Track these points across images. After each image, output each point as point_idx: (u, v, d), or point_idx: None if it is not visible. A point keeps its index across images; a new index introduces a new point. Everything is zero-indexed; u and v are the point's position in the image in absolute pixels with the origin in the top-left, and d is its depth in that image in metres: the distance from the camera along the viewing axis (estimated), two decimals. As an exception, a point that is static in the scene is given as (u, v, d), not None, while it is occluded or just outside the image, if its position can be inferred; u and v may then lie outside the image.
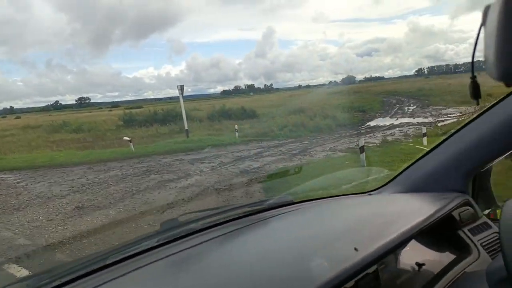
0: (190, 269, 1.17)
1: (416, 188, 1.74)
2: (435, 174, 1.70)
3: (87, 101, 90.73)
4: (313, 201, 1.82)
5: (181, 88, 15.75)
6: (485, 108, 1.54)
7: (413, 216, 1.34)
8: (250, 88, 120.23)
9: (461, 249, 1.50)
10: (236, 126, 17.07)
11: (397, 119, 22.01)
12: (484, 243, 1.51)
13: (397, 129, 17.29)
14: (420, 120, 20.48)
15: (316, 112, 21.97)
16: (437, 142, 1.72)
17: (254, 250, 1.29)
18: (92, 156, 13.44)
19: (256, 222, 1.52)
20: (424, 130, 11.29)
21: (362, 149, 9.05)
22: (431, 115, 22.51)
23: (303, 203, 1.77)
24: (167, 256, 1.26)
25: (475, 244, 1.50)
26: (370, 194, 1.91)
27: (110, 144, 17.51)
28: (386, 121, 21.26)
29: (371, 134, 15.67)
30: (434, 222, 1.36)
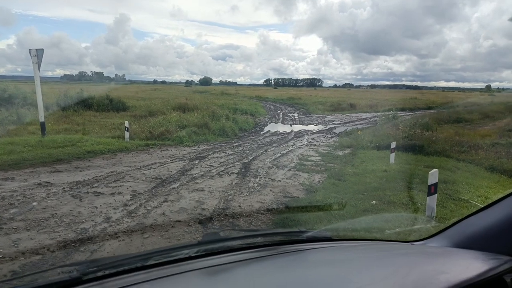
0: (224, 285, 1.20)
1: (466, 244, 1.62)
2: (489, 233, 1.57)
3: None
4: (353, 242, 1.77)
5: (37, 54, 9.58)
6: None
7: (459, 274, 1.29)
8: (99, 76, 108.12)
9: None
10: (127, 122, 11.82)
11: (291, 125, 21.10)
12: None
13: (310, 136, 15.59)
14: (314, 127, 20.28)
15: (211, 111, 18.38)
16: (494, 199, 1.62)
17: (288, 280, 1.28)
18: None
19: (292, 252, 1.52)
20: (393, 145, 9.14)
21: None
22: (320, 123, 22.71)
23: (342, 242, 1.74)
24: (204, 268, 1.30)
25: None
26: (413, 244, 1.81)
27: None
28: (282, 127, 20.01)
29: (297, 141, 13.18)
30: (483, 283, 1.29)
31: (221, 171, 8.09)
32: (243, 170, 8.35)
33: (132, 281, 1.14)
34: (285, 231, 1.87)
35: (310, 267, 1.42)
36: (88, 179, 6.82)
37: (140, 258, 1.29)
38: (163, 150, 10.72)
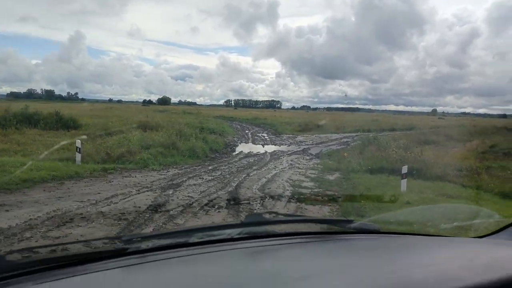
0: (265, 269, 1.17)
1: None
2: None
3: None
4: (405, 236, 1.67)
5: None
6: None
7: None
8: (49, 94, 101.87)
9: None
10: (79, 141, 9.57)
11: (263, 146, 19.84)
12: None
13: (287, 158, 14.31)
14: (288, 148, 19.12)
15: (177, 130, 16.45)
16: None
17: (331, 268, 1.22)
18: None
19: (339, 241, 1.47)
20: (405, 169, 7.85)
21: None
22: (292, 143, 21.81)
23: (392, 235, 1.64)
24: (246, 249, 1.29)
25: None
26: (477, 239, 1.65)
27: None
28: (255, 148, 18.68)
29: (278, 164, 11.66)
30: None
31: (205, 204, 6.30)
32: (232, 202, 6.62)
33: (174, 256, 1.16)
34: (330, 219, 1.91)
35: (355, 257, 1.33)
36: (16, 224, 4.68)
37: (184, 234, 1.32)
38: (125, 176, 8.67)
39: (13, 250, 1.09)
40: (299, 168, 11.76)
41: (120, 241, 1.20)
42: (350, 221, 1.61)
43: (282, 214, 1.76)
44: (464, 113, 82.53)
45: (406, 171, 7.87)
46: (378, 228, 1.63)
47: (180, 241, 1.25)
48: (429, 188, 8.37)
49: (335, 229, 1.59)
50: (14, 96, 78.54)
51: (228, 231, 1.36)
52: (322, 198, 7.35)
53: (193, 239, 1.27)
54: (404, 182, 7.81)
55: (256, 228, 1.43)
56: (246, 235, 1.37)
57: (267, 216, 1.59)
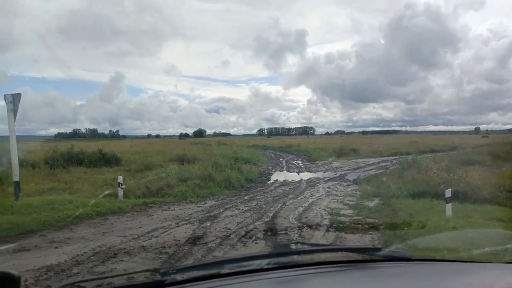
0: None
1: None
2: None
3: None
4: (435, 262, 1.61)
5: (14, 100, 7.97)
6: None
7: None
8: (92, 133, 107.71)
9: None
10: (121, 177, 10.05)
11: (298, 173, 19.58)
12: None
13: (324, 185, 14.07)
14: (324, 174, 18.76)
15: (213, 161, 16.71)
16: None
17: None
18: None
19: (367, 270, 1.44)
20: (448, 193, 7.48)
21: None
22: (328, 170, 21.35)
23: (422, 262, 1.60)
24: (275, 279, 1.30)
25: None
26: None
27: None
28: (290, 176, 18.50)
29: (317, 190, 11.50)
30: None
31: (242, 236, 6.30)
32: (269, 233, 6.57)
33: (207, 287, 1.21)
34: (358, 248, 1.82)
35: (383, 285, 1.31)
36: (65, 261, 4.91)
37: (217, 266, 1.37)
38: (165, 210, 8.90)
39: (62, 286, 1.19)
40: (336, 195, 11.52)
41: (158, 273, 1.28)
42: (379, 249, 1.61)
43: (309, 244, 1.81)
44: (510, 130, 77.91)
45: (450, 195, 7.49)
46: (408, 255, 1.61)
47: (213, 272, 1.30)
48: (477, 212, 7.89)
49: (364, 258, 1.58)
50: (61, 136, 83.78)
51: (257, 261, 1.39)
52: (362, 226, 7.12)
53: (225, 270, 1.32)
54: (449, 207, 7.42)
55: (284, 258, 1.46)
56: (275, 265, 1.39)
57: (295, 246, 1.64)
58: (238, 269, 1.34)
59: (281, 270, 1.38)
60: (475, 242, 3.85)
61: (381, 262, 1.52)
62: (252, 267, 1.36)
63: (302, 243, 1.91)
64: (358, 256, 1.57)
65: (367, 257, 1.57)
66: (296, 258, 1.47)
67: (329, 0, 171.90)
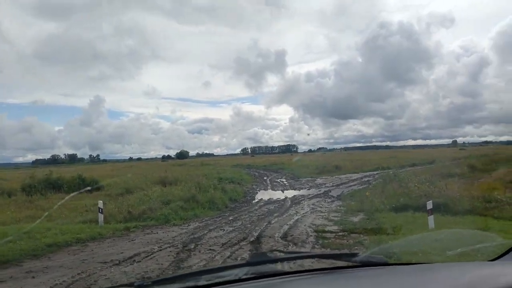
0: None
1: None
2: None
3: None
4: (411, 265, 1.68)
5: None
6: None
7: None
8: (72, 158, 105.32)
9: None
10: (100, 202, 9.77)
11: (283, 191, 19.57)
12: None
13: (309, 202, 14.13)
14: (308, 191, 18.81)
15: (196, 182, 16.54)
16: None
17: None
18: None
19: (344, 275, 1.44)
20: (430, 205, 7.61)
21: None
22: (312, 187, 21.42)
23: (398, 266, 1.65)
24: None
25: None
26: (489, 263, 1.61)
27: None
28: (274, 194, 18.49)
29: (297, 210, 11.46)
30: None
31: (227, 257, 6.18)
32: (254, 252, 6.48)
33: None
34: (335, 253, 1.89)
35: None
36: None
37: (193, 277, 1.35)
38: (147, 234, 8.69)
39: None
40: (321, 211, 11.54)
41: (133, 287, 1.28)
42: (356, 254, 1.60)
43: (286, 252, 1.80)
44: (486, 142, 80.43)
45: (431, 207, 7.62)
46: (384, 260, 1.62)
47: (190, 285, 1.28)
48: (459, 223, 8.03)
49: (341, 264, 1.58)
50: (39, 163, 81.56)
51: (235, 271, 1.38)
52: (347, 241, 7.13)
53: (202, 281, 1.31)
54: (431, 219, 7.54)
55: (262, 267, 1.45)
56: (252, 275, 1.38)
57: (272, 254, 1.63)
58: (216, 280, 1.33)
59: (259, 280, 1.37)
60: (448, 244, 3.95)
61: (358, 268, 1.52)
62: (230, 277, 1.35)
63: (280, 251, 1.90)
64: (335, 263, 1.56)
65: (345, 263, 1.57)
66: (273, 266, 1.45)
67: (307, 21, 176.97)
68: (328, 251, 3.89)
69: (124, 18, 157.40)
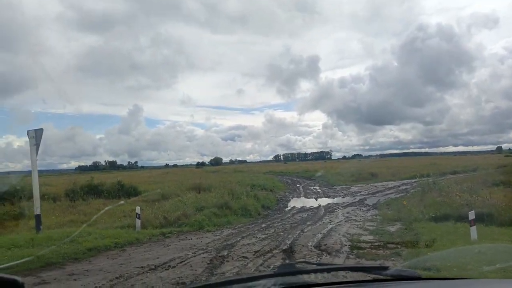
0: None
1: None
2: None
3: None
4: (445, 280, 1.65)
5: (36, 135, 8.30)
6: None
7: None
8: (112, 165, 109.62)
9: None
10: (138, 208, 10.14)
11: (316, 199, 19.25)
12: None
13: (343, 210, 13.81)
14: (342, 200, 18.44)
15: (229, 189, 16.68)
16: None
17: None
18: None
19: None
20: (472, 215, 7.22)
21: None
22: (346, 195, 20.91)
23: (431, 281, 1.62)
24: None
25: None
26: None
27: None
28: (307, 202, 18.22)
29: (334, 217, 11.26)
30: None
31: (260, 265, 6.18)
32: (286, 261, 6.43)
33: None
34: (365, 266, 1.79)
35: None
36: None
37: (224, 285, 1.38)
38: (182, 239, 8.87)
39: None
40: (356, 220, 11.28)
41: None
42: (386, 268, 1.57)
43: (316, 264, 1.77)
44: (534, 148, 75.35)
45: (473, 217, 7.23)
46: (417, 274, 1.58)
47: None
48: (503, 235, 7.57)
49: (371, 277, 1.55)
50: (81, 169, 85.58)
51: (263, 281, 1.38)
52: (383, 252, 6.91)
53: None
54: (473, 229, 7.14)
55: (290, 278, 1.44)
56: (281, 286, 1.38)
57: (301, 265, 1.62)
58: None
59: None
60: (488, 258, 3.76)
61: (389, 282, 1.49)
62: (259, 287, 1.35)
63: (309, 263, 1.90)
64: (366, 276, 1.53)
65: (375, 276, 1.54)
66: (303, 277, 1.45)
67: (341, 26, 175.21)
68: (358, 263, 3.79)
69: (160, 30, 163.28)
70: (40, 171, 9.51)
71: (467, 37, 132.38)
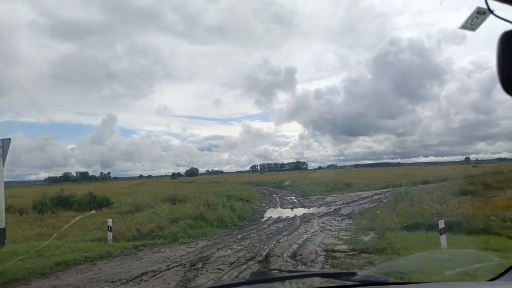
0: None
1: None
2: None
3: None
4: (410, 285, 1.66)
5: (2, 145, 7.92)
6: None
7: None
8: (83, 176, 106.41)
9: None
10: (110, 221, 9.81)
11: (292, 209, 19.38)
12: None
13: (318, 220, 13.95)
14: (317, 209, 18.69)
15: (205, 200, 16.50)
16: None
17: None
18: None
19: None
20: (442, 224, 7.45)
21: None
22: (321, 204, 21.18)
23: (397, 286, 1.64)
24: None
25: None
26: (489, 283, 1.61)
27: None
28: (284, 212, 18.32)
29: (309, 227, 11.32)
30: None
31: (235, 276, 6.11)
32: (253, 271, 6.39)
33: None
34: (334, 272, 1.92)
35: None
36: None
37: None
38: (155, 252, 8.66)
39: None
40: (331, 230, 11.39)
41: None
42: (354, 273, 1.60)
43: (286, 271, 1.79)
44: (499, 159, 78.76)
45: (443, 226, 7.46)
46: (384, 279, 1.60)
47: None
48: (472, 243, 7.83)
49: (339, 283, 1.57)
50: (51, 180, 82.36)
51: None
52: (358, 261, 6.99)
53: None
54: (443, 238, 7.36)
55: (261, 286, 1.45)
56: None
57: (272, 273, 1.64)
58: None
59: None
60: (449, 264, 3.88)
61: (357, 287, 1.51)
62: None
63: (279, 270, 1.78)
64: (334, 282, 1.56)
65: (343, 282, 1.56)
66: (274, 285, 1.47)
67: (317, 39, 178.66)
68: (327, 270, 3.89)
69: (137, 39, 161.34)
70: (6, 183, 9.11)
71: (437, 52, 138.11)
